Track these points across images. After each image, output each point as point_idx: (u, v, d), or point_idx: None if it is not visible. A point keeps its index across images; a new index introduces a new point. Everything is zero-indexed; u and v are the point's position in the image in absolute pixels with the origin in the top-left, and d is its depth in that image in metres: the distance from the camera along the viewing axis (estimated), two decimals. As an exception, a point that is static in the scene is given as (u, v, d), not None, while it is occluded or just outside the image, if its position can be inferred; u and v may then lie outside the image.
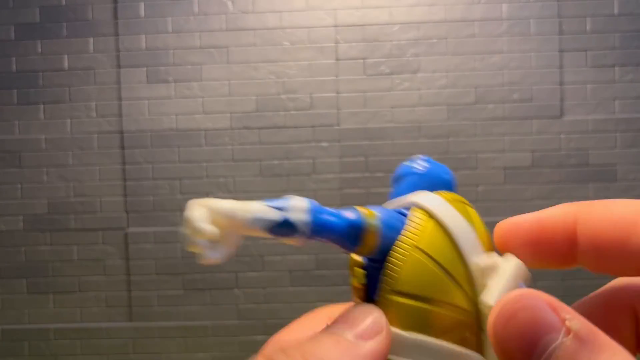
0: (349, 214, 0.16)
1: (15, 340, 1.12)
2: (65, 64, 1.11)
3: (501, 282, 0.16)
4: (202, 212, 0.14)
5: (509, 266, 0.17)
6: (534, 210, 0.18)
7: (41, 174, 1.12)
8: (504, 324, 0.15)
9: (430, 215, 0.17)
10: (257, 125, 1.10)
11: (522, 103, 1.09)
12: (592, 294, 0.18)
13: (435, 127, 1.09)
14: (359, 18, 1.09)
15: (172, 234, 1.10)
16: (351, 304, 0.17)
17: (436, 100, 1.09)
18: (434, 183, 0.19)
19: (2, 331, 1.12)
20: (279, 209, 0.15)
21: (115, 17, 1.10)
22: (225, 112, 1.10)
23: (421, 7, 1.09)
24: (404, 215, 0.17)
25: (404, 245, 0.16)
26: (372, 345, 0.15)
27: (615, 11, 1.08)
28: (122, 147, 1.11)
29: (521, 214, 0.18)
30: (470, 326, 0.16)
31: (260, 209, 0.15)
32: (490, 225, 0.18)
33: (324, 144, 1.10)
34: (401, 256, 0.16)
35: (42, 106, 1.11)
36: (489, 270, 0.16)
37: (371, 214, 0.16)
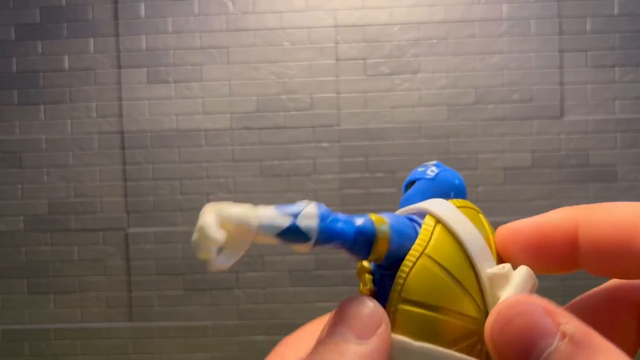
0: (358, 221, 0.16)
1: (16, 340, 1.12)
2: (66, 65, 1.11)
3: (513, 293, 0.16)
4: (211, 219, 0.14)
5: (520, 275, 0.16)
6: (534, 211, 0.18)
7: (42, 175, 1.12)
8: (500, 331, 0.15)
9: (439, 222, 0.17)
10: (258, 125, 1.10)
11: (522, 103, 1.09)
12: (595, 289, 0.18)
13: (435, 127, 1.09)
14: (359, 18, 1.09)
15: (173, 234, 1.10)
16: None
17: (436, 100, 1.09)
18: (443, 188, 0.19)
19: (3, 331, 1.12)
20: (288, 215, 0.15)
21: (116, 17, 1.11)
22: (226, 112, 1.10)
23: (421, 8, 1.09)
24: (414, 221, 0.17)
25: (412, 252, 0.16)
26: (376, 342, 0.15)
27: (616, 11, 1.08)
28: (123, 148, 1.11)
29: (521, 214, 0.18)
30: (479, 335, 0.16)
31: (269, 214, 0.15)
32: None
33: (324, 145, 1.10)
34: (409, 263, 0.16)
35: (42, 106, 1.11)
36: (499, 279, 0.16)
37: (381, 221, 0.16)
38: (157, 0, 1.10)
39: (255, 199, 1.15)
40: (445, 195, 0.19)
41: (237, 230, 0.14)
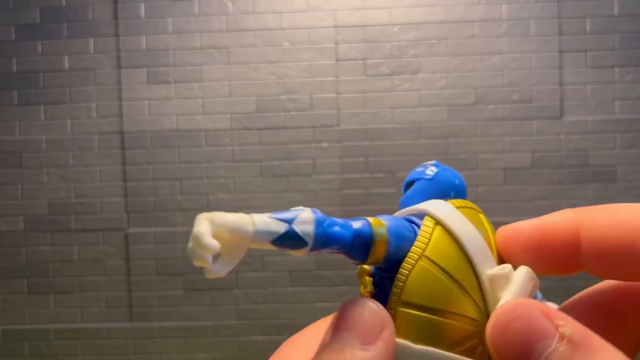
0: (356, 224, 0.16)
1: (16, 340, 1.12)
2: (66, 65, 1.11)
3: (513, 293, 0.16)
4: (206, 227, 0.14)
5: (521, 275, 0.16)
6: (534, 211, 0.18)
7: (42, 175, 1.12)
8: (500, 335, 0.15)
9: (438, 223, 0.16)
10: (257, 125, 1.10)
11: (522, 104, 1.09)
12: (593, 288, 0.18)
13: (435, 127, 1.09)
14: (359, 19, 1.09)
15: (173, 235, 1.11)
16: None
17: (436, 101, 1.09)
18: (443, 188, 0.19)
19: (3, 331, 1.12)
20: (284, 221, 0.15)
21: (116, 17, 1.11)
22: (226, 112, 1.10)
23: (421, 8, 1.09)
24: (413, 223, 0.17)
25: (412, 254, 0.16)
26: (380, 347, 0.15)
27: (615, 12, 1.08)
28: (123, 148, 1.11)
29: (521, 214, 0.18)
30: (481, 337, 0.16)
31: (264, 221, 0.15)
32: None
33: (324, 145, 1.10)
34: (409, 266, 0.16)
35: (42, 107, 1.11)
36: (500, 279, 0.16)
37: (379, 223, 0.16)
38: (157, 0, 1.10)
39: (255, 199, 1.16)
40: (446, 195, 0.18)
41: (232, 237, 0.14)
